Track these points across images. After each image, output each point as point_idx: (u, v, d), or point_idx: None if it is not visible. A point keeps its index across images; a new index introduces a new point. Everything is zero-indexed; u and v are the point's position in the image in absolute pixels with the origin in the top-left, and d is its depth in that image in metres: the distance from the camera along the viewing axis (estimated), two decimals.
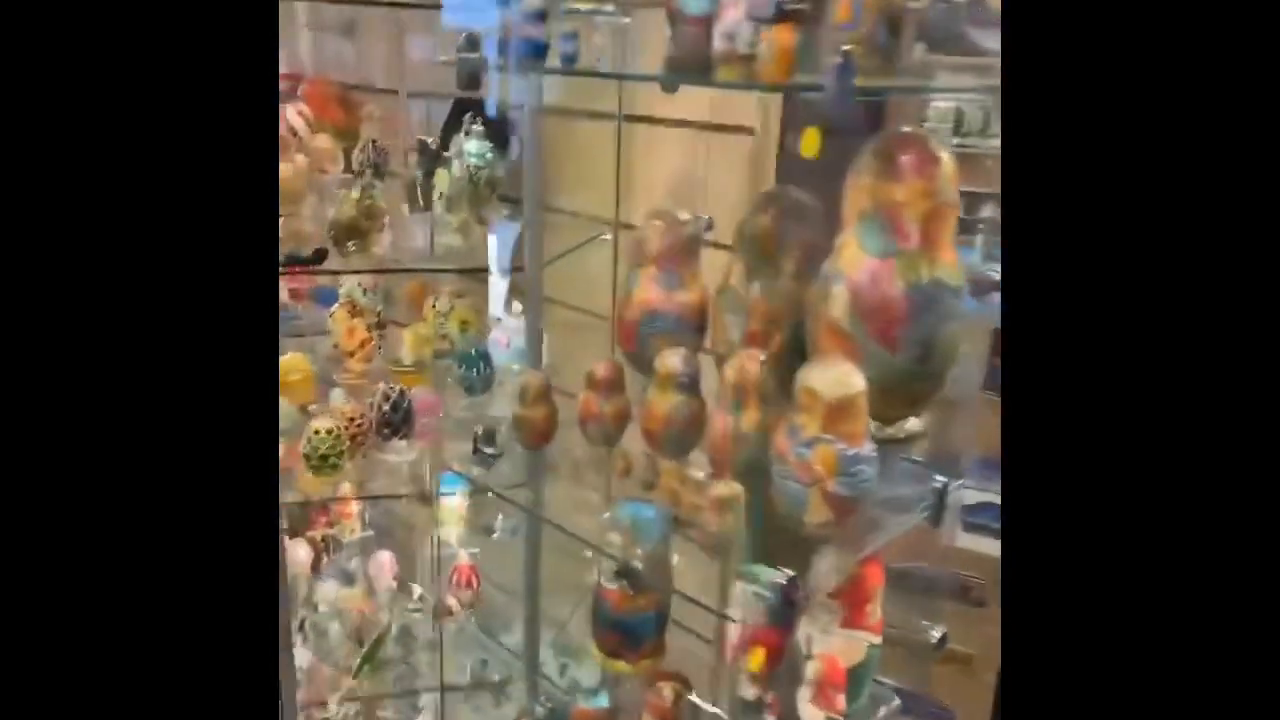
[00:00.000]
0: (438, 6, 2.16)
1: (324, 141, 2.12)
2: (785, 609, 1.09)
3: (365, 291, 2.32)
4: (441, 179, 1.40)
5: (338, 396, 2.01)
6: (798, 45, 1.01)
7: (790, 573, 1.10)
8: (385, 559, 2.16)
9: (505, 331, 1.99)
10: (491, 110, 2.05)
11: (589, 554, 1.81)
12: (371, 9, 2.51)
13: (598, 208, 1.98)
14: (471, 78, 1.22)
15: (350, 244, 1.65)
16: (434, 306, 2.18)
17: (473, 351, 1.87)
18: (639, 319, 1.47)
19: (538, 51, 1.18)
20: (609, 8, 1.20)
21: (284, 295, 2.34)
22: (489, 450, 1.44)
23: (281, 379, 2.04)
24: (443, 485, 2.11)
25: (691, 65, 1.12)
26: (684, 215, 1.51)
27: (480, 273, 1.75)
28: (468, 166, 1.92)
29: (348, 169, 2.17)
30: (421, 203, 1.51)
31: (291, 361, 2.04)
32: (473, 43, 1.21)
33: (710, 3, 1.09)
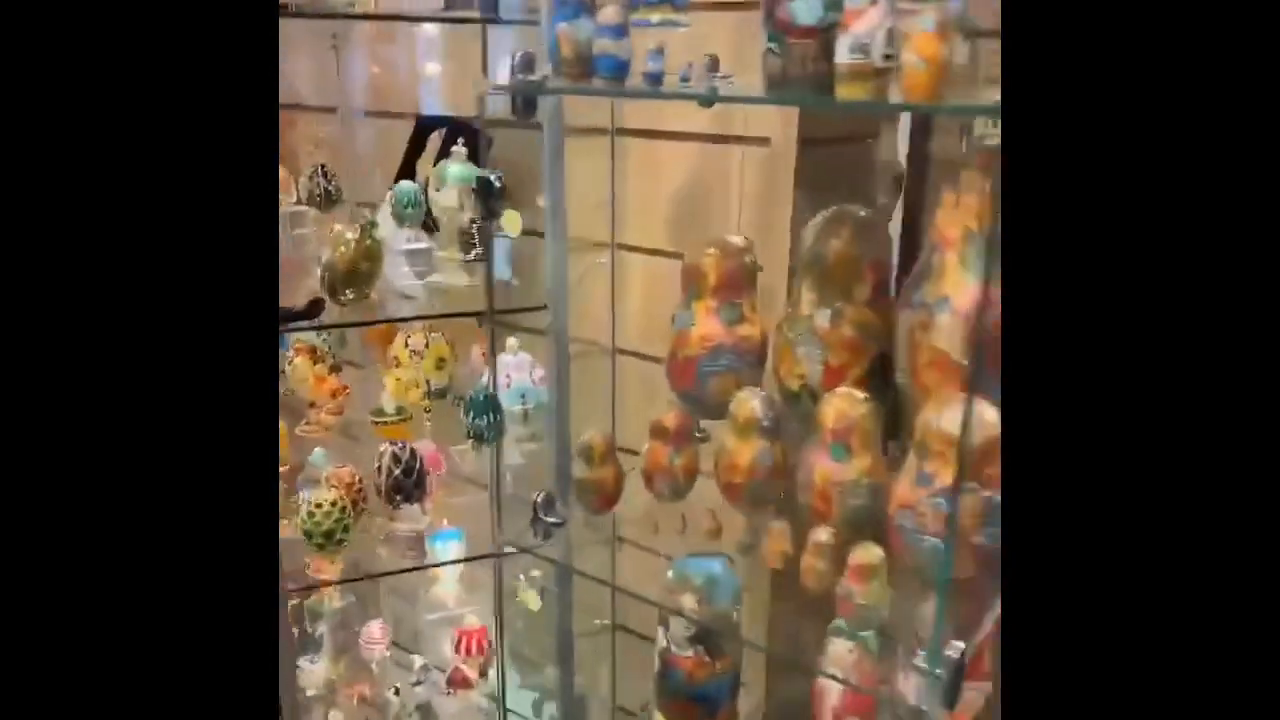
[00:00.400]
0: (375, 17, 1.97)
1: None
2: (958, 684, 0.98)
3: (319, 333, 2.10)
4: (513, 220, 1.21)
5: (321, 458, 1.79)
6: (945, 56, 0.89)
7: (961, 645, 0.99)
8: (376, 629, 1.95)
9: (504, 370, 1.81)
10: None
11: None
12: (294, 19, 2.27)
13: (589, 229, 1.82)
14: (528, 103, 1.05)
15: (348, 291, 1.44)
16: (406, 345, 1.99)
17: (482, 397, 1.69)
18: (700, 356, 1.34)
19: (620, 70, 1.02)
20: (685, 19, 1.05)
21: None
22: (551, 519, 1.27)
23: None
24: (436, 541, 1.92)
25: (803, 82, 0.99)
26: (737, 239, 1.38)
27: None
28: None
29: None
30: (480, 249, 1.31)
31: None
32: (528, 63, 1.05)
33: (828, 11, 0.96)
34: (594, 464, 1.28)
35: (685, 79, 1.03)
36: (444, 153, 1.83)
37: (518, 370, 1.84)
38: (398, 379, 1.90)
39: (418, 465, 1.56)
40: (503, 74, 1.17)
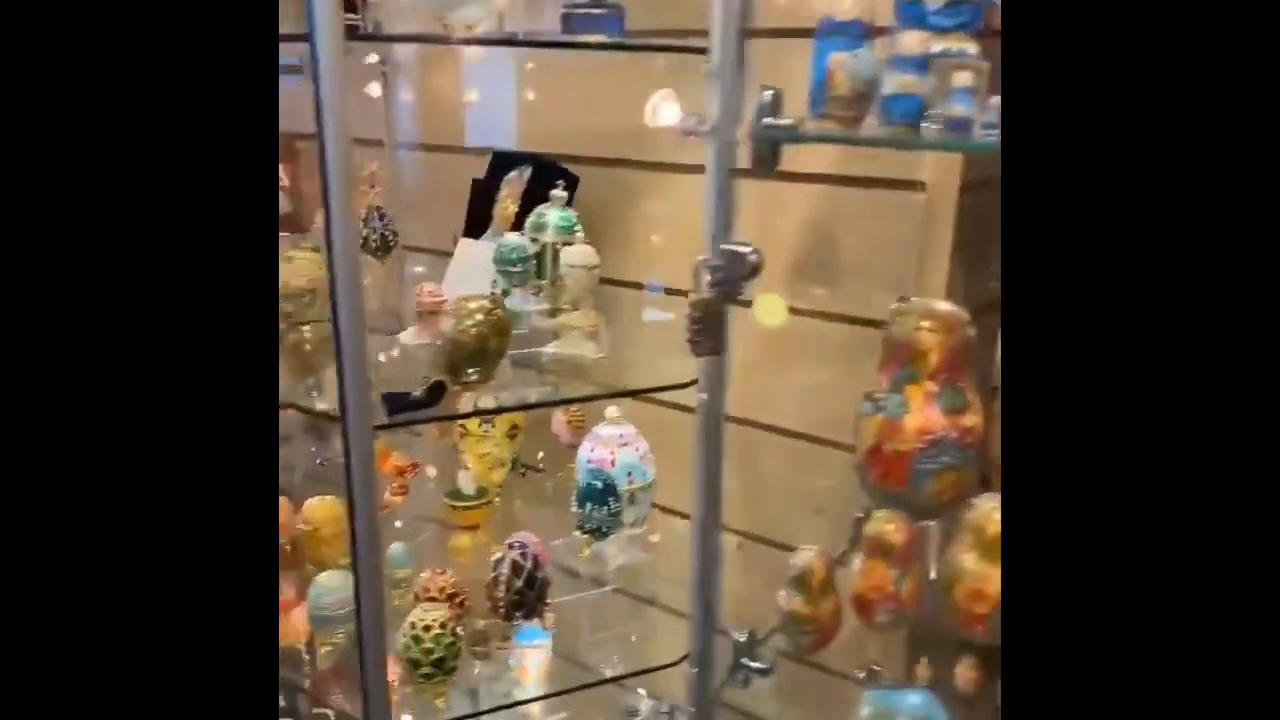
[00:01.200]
0: (420, 40, 1.72)
1: None
2: None
3: None
4: (771, 307, 0.95)
5: (402, 554, 1.52)
6: None
7: None
8: None
9: (608, 446, 1.56)
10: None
11: None
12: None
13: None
14: (774, 150, 0.82)
15: (471, 371, 1.19)
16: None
17: (600, 484, 1.44)
18: (916, 451, 1.11)
19: (919, 114, 0.80)
20: (972, 49, 0.83)
21: None
22: (757, 664, 1.03)
23: (312, 534, 1.53)
24: (518, 640, 1.65)
25: None
26: (950, 308, 1.15)
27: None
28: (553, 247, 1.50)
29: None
30: (714, 342, 1.03)
31: (322, 510, 1.53)
32: (776, 103, 0.82)
33: None
34: (813, 595, 1.03)
35: (990, 125, 0.80)
36: (536, 196, 1.58)
37: (622, 445, 1.60)
38: (480, 456, 1.64)
39: (541, 575, 1.30)
40: (666, 112, 0.93)
